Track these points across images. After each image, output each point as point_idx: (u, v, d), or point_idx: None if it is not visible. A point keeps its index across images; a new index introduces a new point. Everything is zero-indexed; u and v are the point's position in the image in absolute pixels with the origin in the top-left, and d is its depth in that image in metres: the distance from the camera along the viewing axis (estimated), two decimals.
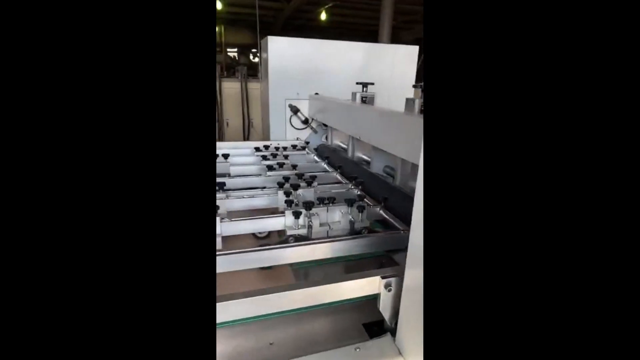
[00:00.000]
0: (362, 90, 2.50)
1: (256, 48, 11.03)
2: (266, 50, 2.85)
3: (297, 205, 1.38)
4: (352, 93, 2.50)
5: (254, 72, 7.56)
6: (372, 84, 2.54)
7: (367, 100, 2.47)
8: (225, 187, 1.59)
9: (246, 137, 6.78)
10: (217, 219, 1.24)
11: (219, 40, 10.54)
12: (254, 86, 6.59)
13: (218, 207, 1.37)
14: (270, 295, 0.84)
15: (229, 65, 9.57)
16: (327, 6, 8.29)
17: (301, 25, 10.59)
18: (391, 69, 3.08)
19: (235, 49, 11.22)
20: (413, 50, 3.11)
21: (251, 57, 11.25)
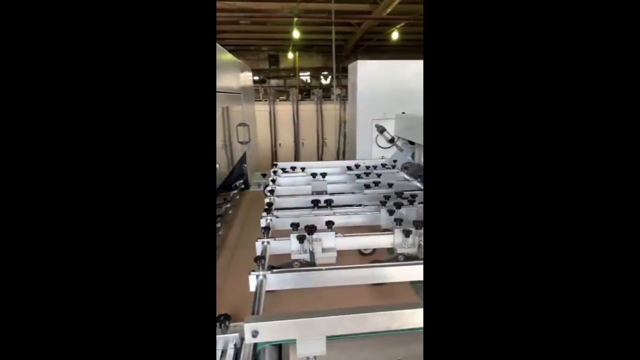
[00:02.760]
0: None
1: (327, 71, 11.45)
2: (354, 73, 2.93)
3: (401, 223, 1.36)
4: None
5: (327, 94, 7.81)
6: None
7: None
8: (332, 204, 1.67)
9: (320, 157, 6.94)
10: (332, 233, 1.28)
11: (293, 65, 11.12)
12: (327, 107, 6.81)
13: (332, 223, 1.38)
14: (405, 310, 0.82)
15: (302, 88, 10.00)
16: (399, 25, 8.31)
17: (371, 47, 10.74)
18: None
19: (308, 73, 11.74)
20: None
21: (322, 80, 11.66)
